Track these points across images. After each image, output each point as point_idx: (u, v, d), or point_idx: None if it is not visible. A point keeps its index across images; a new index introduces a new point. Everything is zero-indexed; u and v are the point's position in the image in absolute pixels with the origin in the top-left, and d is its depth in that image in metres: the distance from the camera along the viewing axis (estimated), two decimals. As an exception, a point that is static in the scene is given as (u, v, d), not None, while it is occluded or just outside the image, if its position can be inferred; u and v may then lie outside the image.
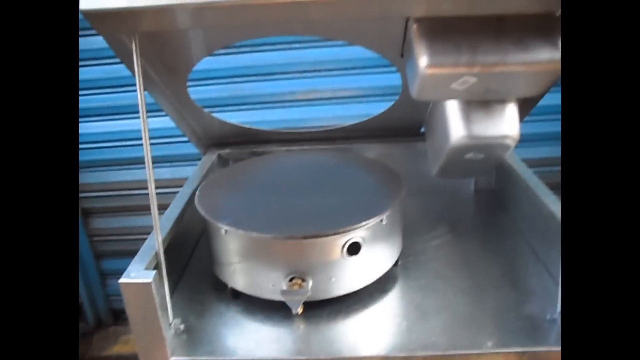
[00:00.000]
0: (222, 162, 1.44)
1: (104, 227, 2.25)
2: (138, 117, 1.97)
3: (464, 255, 1.15)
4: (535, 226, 1.14)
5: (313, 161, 1.27)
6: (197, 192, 1.07)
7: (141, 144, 1.98)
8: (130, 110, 1.97)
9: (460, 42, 0.81)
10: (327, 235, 0.91)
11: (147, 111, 2.12)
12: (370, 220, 0.93)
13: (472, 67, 0.82)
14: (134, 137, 2.03)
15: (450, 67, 0.82)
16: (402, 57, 0.97)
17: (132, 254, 2.26)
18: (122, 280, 0.82)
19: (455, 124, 1.03)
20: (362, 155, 1.36)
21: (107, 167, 2.11)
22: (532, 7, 0.76)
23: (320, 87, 1.90)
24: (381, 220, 0.96)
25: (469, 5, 0.75)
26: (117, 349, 2.28)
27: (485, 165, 1.20)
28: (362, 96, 1.89)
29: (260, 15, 0.76)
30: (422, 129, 1.38)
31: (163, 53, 1.00)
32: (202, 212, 0.99)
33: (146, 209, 2.14)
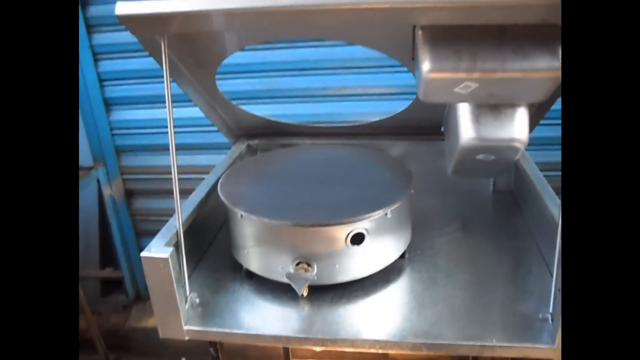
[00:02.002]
0: (251, 151, 1.53)
1: (145, 207, 2.41)
2: (179, 107, 2.09)
3: (471, 252, 1.19)
4: (542, 228, 1.17)
5: (333, 155, 1.34)
6: (220, 179, 1.17)
7: (180, 132, 2.12)
8: (172, 100, 2.09)
9: (461, 49, 0.86)
10: (331, 225, 0.98)
11: (185, 101, 2.24)
12: (375, 213, 0.99)
13: (471, 73, 0.86)
14: (175, 124, 2.15)
15: (451, 73, 0.87)
16: (413, 60, 1.02)
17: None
18: (143, 254, 0.92)
19: (466, 126, 1.07)
20: (379, 151, 1.42)
21: (149, 151, 2.25)
22: (531, 17, 0.80)
23: (351, 83, 1.96)
24: (386, 214, 1.02)
25: (470, 15, 0.79)
26: (153, 321, 2.42)
27: (498, 166, 1.23)
28: (392, 94, 1.94)
29: (277, 20, 0.83)
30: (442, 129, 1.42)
31: (192, 50, 1.09)
32: (222, 197, 1.08)
33: (183, 192, 2.29)
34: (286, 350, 1.85)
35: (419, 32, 0.87)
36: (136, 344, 2.47)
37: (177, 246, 0.98)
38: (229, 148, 2.09)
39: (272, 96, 2.02)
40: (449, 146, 1.26)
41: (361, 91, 1.95)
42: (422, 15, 0.82)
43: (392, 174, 1.21)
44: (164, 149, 2.23)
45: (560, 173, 0.67)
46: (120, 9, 0.84)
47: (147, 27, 0.89)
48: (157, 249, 0.93)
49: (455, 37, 0.86)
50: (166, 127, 2.18)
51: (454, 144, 1.16)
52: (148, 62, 2.03)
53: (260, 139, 1.54)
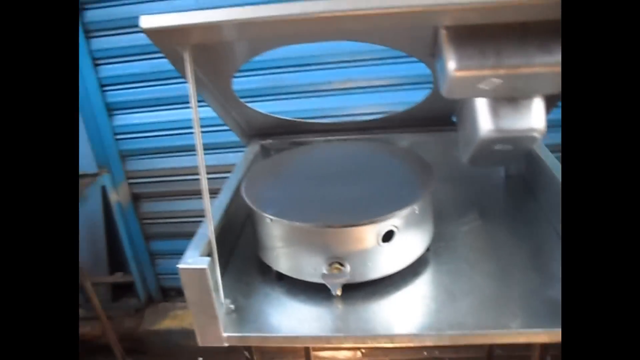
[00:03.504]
0: (265, 151, 1.54)
1: (152, 210, 2.41)
2: (182, 108, 2.10)
3: (492, 241, 1.22)
4: (559, 212, 1.19)
5: (349, 151, 1.35)
6: (243, 183, 1.17)
7: (185, 133, 2.12)
8: (175, 102, 2.09)
9: (485, 47, 0.87)
10: (363, 224, 0.99)
11: (186, 102, 2.22)
12: (404, 210, 1.01)
13: (497, 69, 0.87)
14: (179, 126, 2.16)
15: (477, 70, 0.88)
16: (432, 57, 1.03)
17: (178, 235, 2.43)
18: (180, 265, 0.93)
19: (484, 118, 1.09)
20: (394, 145, 1.43)
21: (154, 154, 2.25)
22: (554, 13, 0.81)
23: (355, 76, 1.97)
24: (414, 209, 1.03)
25: (494, 15, 0.80)
26: (167, 323, 2.46)
27: (514, 155, 1.25)
28: (396, 85, 1.95)
29: (301, 28, 0.84)
30: (454, 119, 1.43)
31: (212, 57, 1.09)
32: (249, 202, 1.09)
33: (190, 193, 2.32)
34: (307, 348, 1.88)
35: (443, 32, 0.88)
36: (151, 347, 2.48)
37: (210, 254, 0.99)
38: (236, 147, 2.12)
39: (276, 93, 2.02)
40: (465, 137, 1.27)
41: (366, 84, 1.97)
42: (447, 16, 0.83)
43: (412, 168, 1.22)
44: (169, 151, 2.23)
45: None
46: (145, 22, 0.84)
47: (172, 38, 0.89)
48: (194, 260, 0.94)
49: (479, 36, 0.87)
50: (171, 129, 2.20)
51: (472, 135, 1.17)
52: (149, 65, 2.04)
53: (272, 138, 1.55)
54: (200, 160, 0.95)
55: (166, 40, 0.90)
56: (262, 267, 1.14)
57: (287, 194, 1.14)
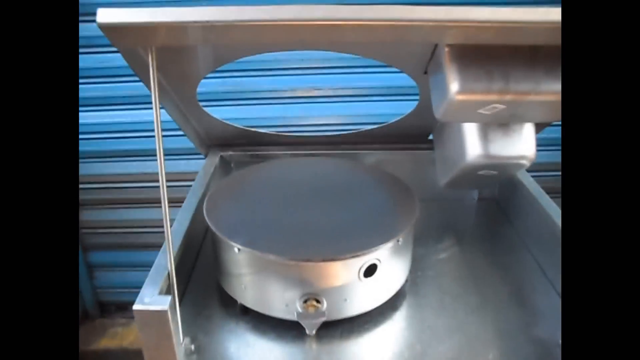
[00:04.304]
0: (225, 164, 1.41)
1: (93, 219, 2.20)
2: (130, 109, 1.91)
3: (471, 270, 1.15)
4: (540, 240, 1.15)
5: (320, 169, 1.24)
6: (205, 204, 1.04)
7: (131, 137, 1.94)
8: (123, 102, 1.91)
9: (493, 69, 0.79)
10: (344, 259, 0.89)
11: (141, 103, 2.05)
12: (388, 242, 0.92)
13: (504, 94, 0.80)
14: (125, 129, 1.97)
15: (482, 94, 0.81)
16: (425, 74, 0.95)
17: (121, 246, 2.22)
18: (136, 307, 0.79)
19: (472, 142, 1.02)
20: (369, 164, 1.34)
21: (96, 159, 2.05)
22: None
23: (322, 84, 1.86)
24: (398, 241, 0.94)
25: (505, 35, 0.72)
26: (105, 342, 2.25)
27: (497, 179, 1.20)
28: (365, 95, 1.86)
29: (291, 35, 0.73)
30: (431, 137, 1.36)
31: (177, 60, 0.95)
32: (214, 228, 0.96)
33: (136, 202, 2.13)
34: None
35: (445, 50, 0.79)
36: (87, 367, 2.27)
37: (169, 291, 0.85)
38: (192, 154, 1.96)
39: (236, 98, 1.88)
40: (445, 159, 1.20)
41: (332, 93, 1.86)
42: (454, 33, 0.75)
43: (390, 191, 1.14)
44: (113, 155, 2.04)
45: (544, 174, 0.63)
46: (103, 17, 0.70)
47: (134, 38, 0.75)
48: (152, 300, 0.80)
49: (485, 56, 0.79)
50: (118, 131, 2.00)
51: (455, 158, 1.10)
52: (93, 60, 1.84)
53: (233, 149, 1.42)
54: (162, 181, 0.81)
55: (127, 40, 0.76)
56: (224, 297, 1.02)
57: (255, 218, 1.02)
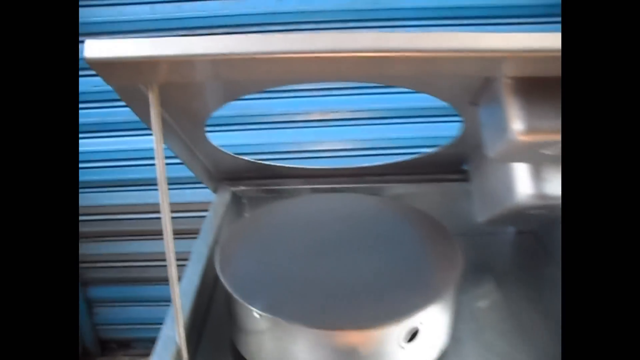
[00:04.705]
0: (236, 200, 1.27)
1: (92, 252, 2.06)
2: (129, 135, 1.78)
3: (518, 322, 1.01)
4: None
5: (345, 208, 1.11)
6: (217, 255, 0.91)
7: (131, 165, 1.81)
8: (122, 128, 1.78)
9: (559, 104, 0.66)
10: (383, 326, 0.75)
11: (141, 129, 1.91)
12: (433, 304, 0.79)
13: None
14: (124, 157, 1.84)
15: (549, 134, 0.67)
16: (472, 105, 0.82)
17: (121, 281, 2.08)
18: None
19: (523, 180, 0.89)
20: (400, 202, 1.19)
21: (95, 188, 1.92)
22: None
23: (338, 106, 1.73)
24: (444, 300, 0.81)
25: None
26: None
27: (545, 219, 1.07)
28: (383, 117, 1.73)
29: (322, 67, 0.60)
30: (465, 167, 1.24)
31: (183, 96, 0.82)
32: (229, 288, 0.82)
33: (137, 234, 1.99)
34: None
35: (506, 82, 0.66)
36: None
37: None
38: (189, 183, 1.83)
39: (244, 122, 1.75)
40: (488, 195, 1.07)
41: (349, 115, 1.73)
42: (518, 64, 0.62)
43: (428, 236, 1.00)
44: (113, 185, 1.91)
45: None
46: (92, 51, 0.58)
47: (132, 75, 0.62)
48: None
49: (552, 89, 0.66)
50: (116, 159, 1.87)
51: (501, 195, 0.97)
52: (86, 83, 1.70)
53: (245, 184, 1.29)
54: (167, 235, 0.68)
55: (123, 78, 0.63)
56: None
57: (276, 272, 0.88)
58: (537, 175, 0.88)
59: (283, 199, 1.17)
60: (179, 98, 0.81)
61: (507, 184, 0.92)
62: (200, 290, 0.90)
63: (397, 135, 1.66)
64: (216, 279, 1.04)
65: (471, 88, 0.75)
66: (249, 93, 0.90)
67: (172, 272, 0.70)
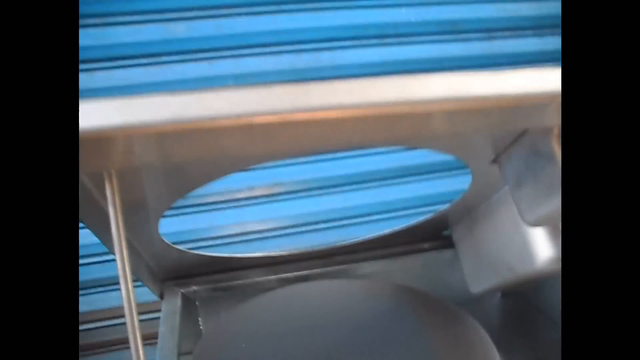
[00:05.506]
0: (189, 306, 1.03)
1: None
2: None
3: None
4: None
5: (335, 301, 0.92)
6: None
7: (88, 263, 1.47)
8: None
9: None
10: None
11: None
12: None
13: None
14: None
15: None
16: (493, 162, 0.70)
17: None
18: None
19: (543, 242, 0.79)
20: (394, 284, 1.01)
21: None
22: None
23: (283, 178, 1.57)
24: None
25: None
26: None
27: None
28: (334, 186, 1.59)
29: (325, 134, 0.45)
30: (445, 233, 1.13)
31: (137, 186, 0.62)
32: None
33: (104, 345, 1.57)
34: None
35: (556, 132, 0.56)
36: None
37: None
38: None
39: (178, 206, 1.52)
40: (488, 263, 0.96)
41: (296, 187, 1.57)
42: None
43: (448, 324, 0.84)
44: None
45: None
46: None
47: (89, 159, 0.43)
48: None
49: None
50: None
51: (511, 261, 0.87)
52: None
53: (195, 283, 1.06)
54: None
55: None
56: None
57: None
58: (557, 235, 0.77)
59: (256, 296, 0.95)
60: (132, 187, 0.61)
61: (521, 249, 0.81)
62: None
63: (351, 204, 1.52)
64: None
65: (500, 142, 0.63)
66: (212, 180, 0.70)
67: None
